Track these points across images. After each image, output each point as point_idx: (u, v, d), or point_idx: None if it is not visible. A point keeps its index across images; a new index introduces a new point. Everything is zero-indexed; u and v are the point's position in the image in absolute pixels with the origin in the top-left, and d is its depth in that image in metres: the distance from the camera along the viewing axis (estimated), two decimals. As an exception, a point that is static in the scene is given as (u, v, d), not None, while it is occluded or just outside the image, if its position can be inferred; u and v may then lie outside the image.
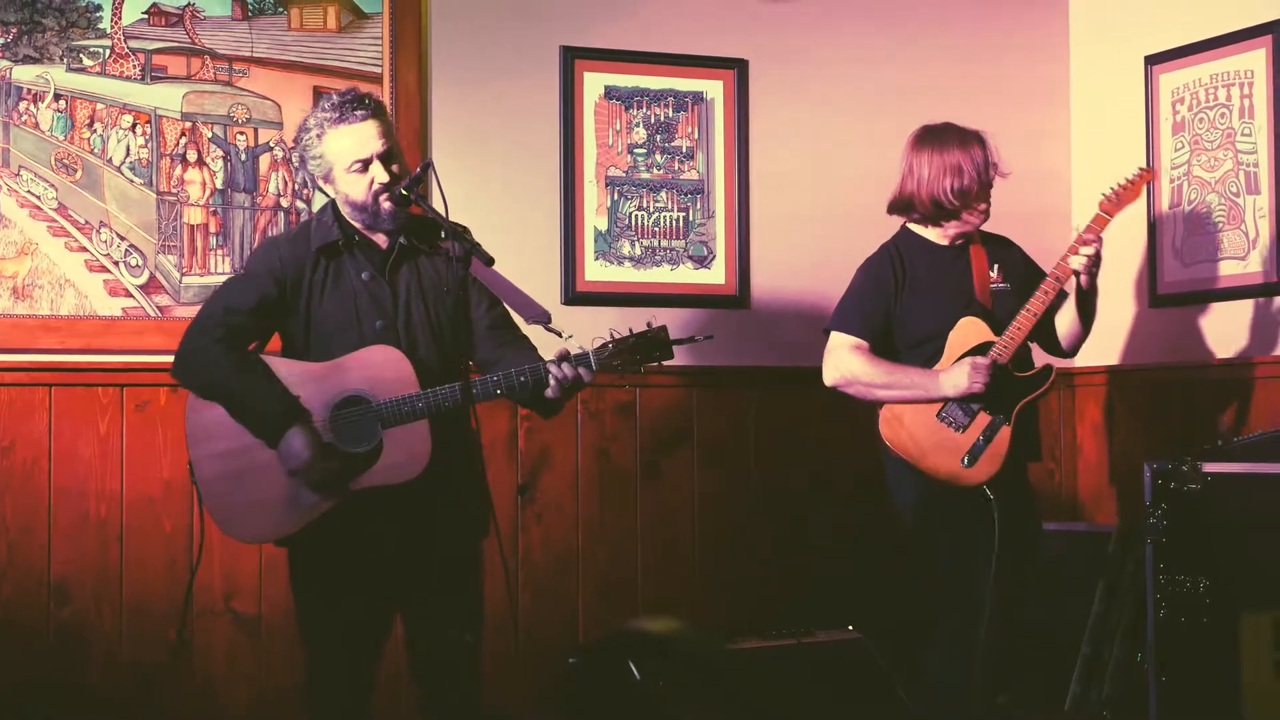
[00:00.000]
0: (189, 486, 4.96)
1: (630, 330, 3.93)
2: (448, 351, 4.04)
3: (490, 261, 3.84)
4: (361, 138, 3.95)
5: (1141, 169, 4.78)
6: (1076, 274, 4.57)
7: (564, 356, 3.87)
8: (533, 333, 4.06)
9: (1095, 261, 4.56)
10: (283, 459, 3.85)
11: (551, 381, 3.87)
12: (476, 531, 4.09)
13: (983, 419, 4.54)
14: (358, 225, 4.03)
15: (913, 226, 4.73)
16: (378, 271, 4.00)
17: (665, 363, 3.94)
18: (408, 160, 5.13)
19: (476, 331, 4.09)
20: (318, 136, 3.96)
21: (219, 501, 3.98)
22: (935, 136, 4.66)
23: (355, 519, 3.93)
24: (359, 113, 3.95)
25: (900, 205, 4.71)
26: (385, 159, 3.96)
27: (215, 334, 3.95)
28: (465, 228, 3.88)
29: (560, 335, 3.93)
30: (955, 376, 4.52)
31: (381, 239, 4.04)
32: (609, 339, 3.92)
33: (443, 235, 3.89)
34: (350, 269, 4.00)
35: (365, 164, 3.94)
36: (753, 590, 5.63)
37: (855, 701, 5.15)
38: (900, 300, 4.64)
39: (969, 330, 4.60)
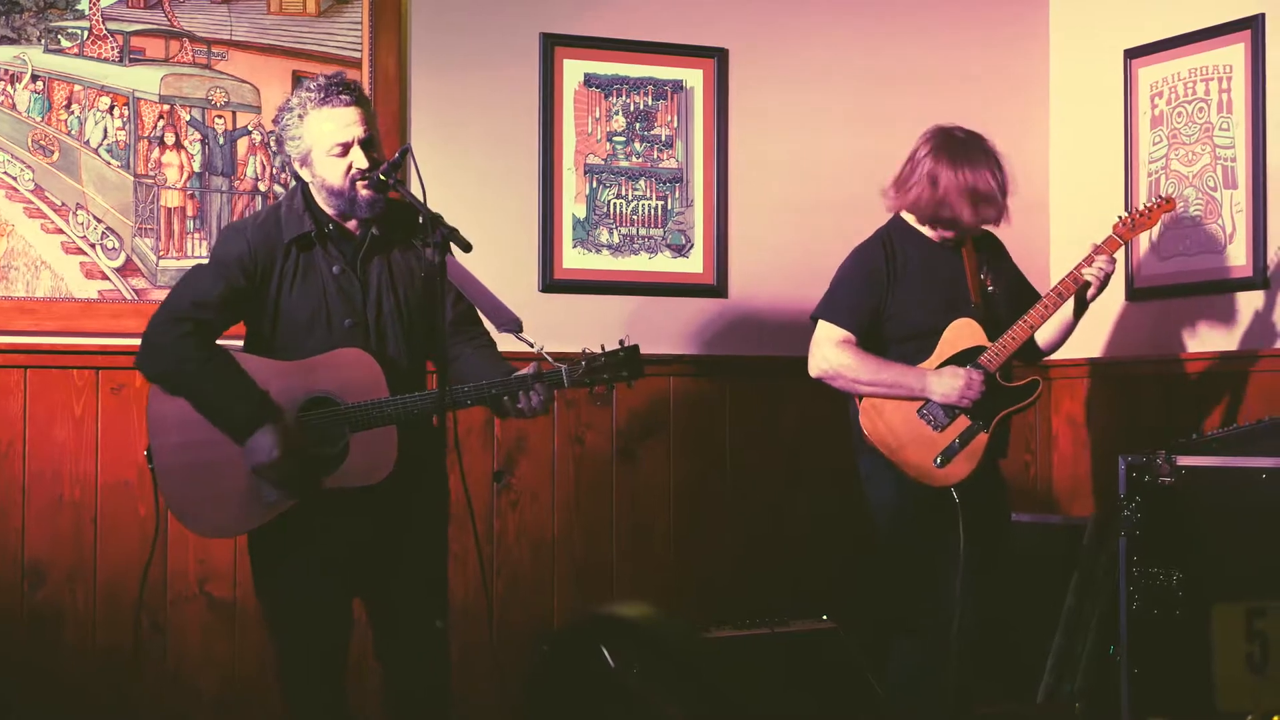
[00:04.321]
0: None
1: (603, 347, 3.99)
2: (417, 347, 4.05)
3: (468, 248, 3.83)
4: (344, 121, 3.91)
5: (1161, 198, 4.81)
6: (1087, 284, 4.59)
7: (537, 376, 3.90)
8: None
9: (1108, 278, 4.61)
10: (249, 455, 3.82)
11: (519, 404, 3.91)
12: (440, 523, 4.10)
13: (962, 422, 4.55)
14: (331, 213, 3.98)
15: (906, 217, 4.73)
16: (348, 264, 3.97)
17: (635, 381, 4.02)
18: (386, 145, 5.14)
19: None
20: (299, 117, 3.93)
21: (177, 493, 3.93)
22: (960, 150, 4.60)
23: (318, 515, 3.92)
24: (344, 96, 3.92)
25: (914, 210, 4.67)
26: (365, 146, 3.94)
27: (184, 328, 3.88)
28: (439, 215, 3.87)
29: (531, 346, 3.92)
30: (946, 385, 4.52)
31: (354, 226, 4.01)
32: (582, 357, 3.97)
33: (420, 220, 3.86)
34: (321, 262, 3.96)
35: (346, 148, 3.91)
36: (727, 579, 5.64)
37: (829, 691, 5.17)
38: (891, 294, 4.64)
39: (963, 331, 4.61)
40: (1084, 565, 5.45)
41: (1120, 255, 5.77)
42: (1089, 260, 4.61)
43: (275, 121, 4.01)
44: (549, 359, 3.94)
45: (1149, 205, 4.78)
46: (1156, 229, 5.66)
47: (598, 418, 5.50)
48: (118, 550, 4.98)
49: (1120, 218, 4.71)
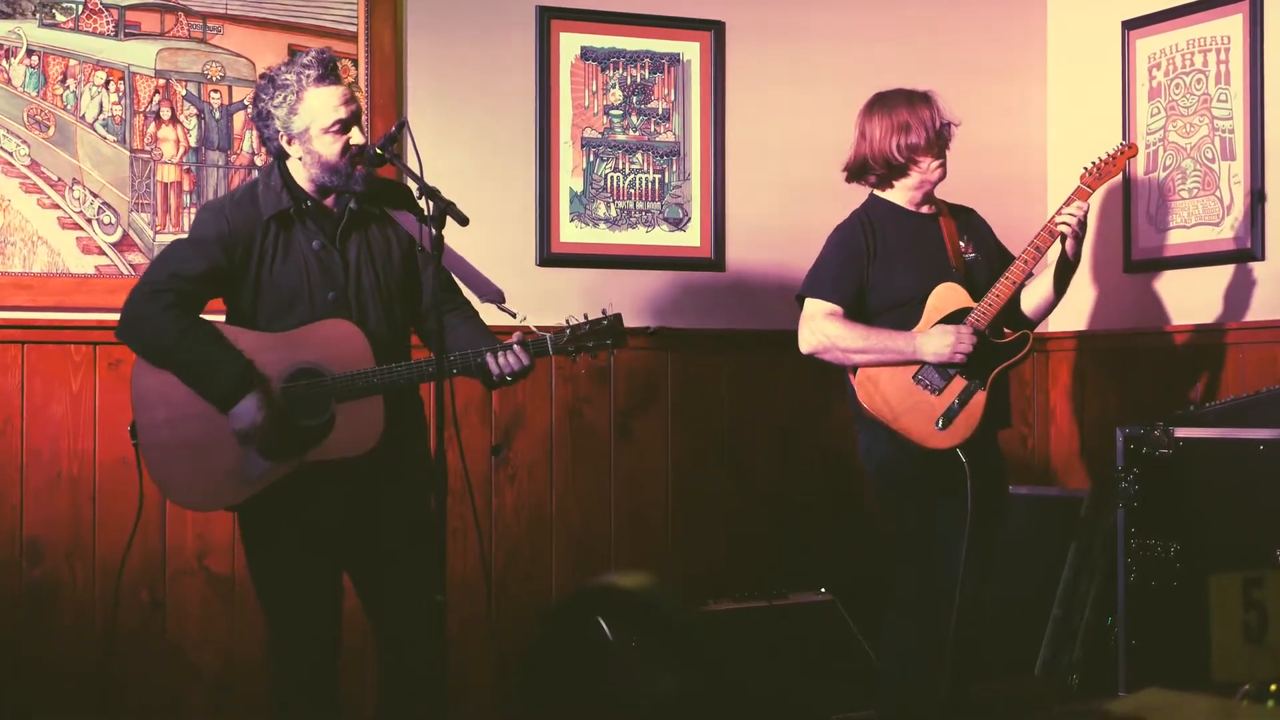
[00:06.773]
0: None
1: (585, 316, 4.05)
2: (398, 321, 4.07)
3: (465, 221, 3.83)
4: (340, 99, 3.96)
5: (1124, 145, 4.78)
6: (1063, 236, 4.56)
7: (523, 344, 3.96)
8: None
9: (1082, 225, 4.57)
10: (233, 421, 3.83)
11: (498, 369, 3.96)
12: (425, 497, 4.08)
13: (959, 383, 4.54)
14: (309, 188, 4.00)
15: (879, 193, 4.73)
16: (328, 240, 3.98)
17: (617, 350, 4.09)
18: (382, 120, 5.15)
19: (424, 299, 4.11)
20: (296, 94, 3.94)
21: (164, 467, 3.94)
22: (884, 100, 4.69)
23: (305, 488, 3.92)
24: (335, 74, 3.98)
25: (855, 169, 4.72)
26: (356, 121, 3.98)
27: (165, 299, 3.87)
28: (436, 189, 3.87)
29: (514, 316, 3.98)
30: (937, 343, 4.51)
31: (331, 202, 4.02)
32: (566, 325, 4.02)
33: (418, 194, 3.87)
34: (301, 238, 3.97)
35: (344, 125, 3.95)
36: (725, 552, 5.64)
37: (827, 663, 5.18)
38: (872, 266, 4.63)
39: (947, 295, 4.60)
40: (1081, 537, 5.45)
41: (1117, 228, 5.78)
42: (1060, 211, 4.59)
43: (263, 95, 4.00)
44: (532, 328, 3.98)
45: (1112, 153, 4.74)
46: (1148, 196, 5.66)
47: (595, 392, 5.51)
48: (116, 527, 4.98)
49: (1085, 168, 4.69)
